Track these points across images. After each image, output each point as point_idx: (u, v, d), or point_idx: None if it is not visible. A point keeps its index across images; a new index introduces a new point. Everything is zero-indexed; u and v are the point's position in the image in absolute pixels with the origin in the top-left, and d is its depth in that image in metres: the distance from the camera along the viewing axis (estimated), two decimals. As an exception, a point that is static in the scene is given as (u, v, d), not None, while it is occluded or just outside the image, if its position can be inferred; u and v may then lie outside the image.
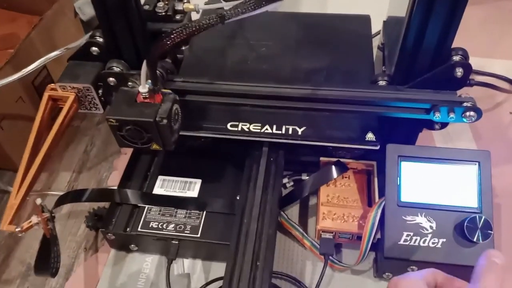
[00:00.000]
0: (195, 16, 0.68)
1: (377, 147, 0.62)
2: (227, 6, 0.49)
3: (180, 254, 0.63)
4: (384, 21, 0.75)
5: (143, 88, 0.54)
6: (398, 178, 0.58)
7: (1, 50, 0.76)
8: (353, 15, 0.77)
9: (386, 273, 0.61)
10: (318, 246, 0.63)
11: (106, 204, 0.69)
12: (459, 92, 0.58)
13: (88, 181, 0.78)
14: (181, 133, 0.59)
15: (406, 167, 0.58)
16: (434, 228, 0.56)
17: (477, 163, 0.57)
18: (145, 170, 0.71)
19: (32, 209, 0.69)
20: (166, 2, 0.62)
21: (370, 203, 0.63)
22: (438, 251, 0.55)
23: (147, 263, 0.65)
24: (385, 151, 0.59)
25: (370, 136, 0.62)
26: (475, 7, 1.00)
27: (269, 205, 0.60)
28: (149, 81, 0.54)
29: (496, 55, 0.92)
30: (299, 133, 0.63)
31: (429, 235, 0.55)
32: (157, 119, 0.53)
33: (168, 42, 0.47)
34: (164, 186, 0.68)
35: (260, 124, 0.63)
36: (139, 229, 0.63)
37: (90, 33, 0.61)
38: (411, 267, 0.56)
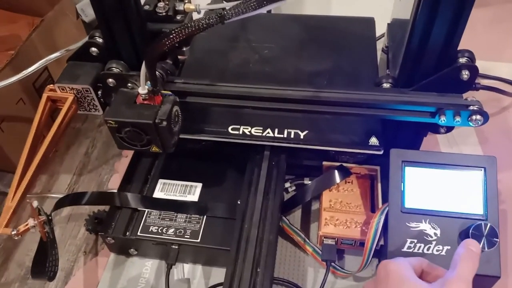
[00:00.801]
0: (196, 17, 0.67)
1: (381, 152, 0.61)
2: (229, 6, 0.48)
3: (180, 259, 0.62)
4: (388, 24, 0.74)
5: (143, 89, 0.53)
6: (402, 184, 0.57)
7: (2, 51, 0.76)
8: (357, 17, 0.76)
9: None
10: (320, 252, 0.61)
11: (106, 207, 0.68)
12: (465, 95, 0.57)
13: (89, 184, 0.77)
14: (181, 136, 0.59)
15: (410, 172, 0.57)
16: (439, 235, 0.54)
17: (482, 169, 0.56)
18: (146, 173, 0.70)
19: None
20: (167, 2, 0.62)
21: (373, 208, 0.62)
22: (443, 258, 0.53)
23: (146, 268, 0.65)
24: (388, 155, 0.58)
25: (373, 140, 0.61)
26: (482, 9, 0.99)
27: (270, 210, 0.59)
28: (149, 82, 0.53)
29: (504, 58, 0.90)
30: (301, 137, 0.62)
31: (433, 242, 0.54)
32: (156, 121, 0.52)
33: (167, 43, 0.47)
34: (164, 189, 0.67)
35: (261, 128, 0.63)
36: (138, 233, 0.62)
37: (89, 34, 0.61)
38: (415, 274, 0.55)
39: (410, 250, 0.54)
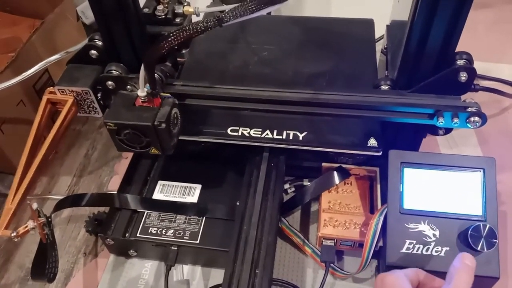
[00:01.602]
0: (195, 19, 0.67)
1: (379, 153, 0.61)
2: (228, 9, 0.48)
3: (179, 260, 0.63)
4: (387, 25, 0.74)
5: (142, 91, 0.54)
6: (401, 185, 0.57)
7: (3, 53, 0.76)
8: (357, 19, 0.76)
9: (389, 282, 0.59)
10: (319, 253, 0.62)
11: (106, 209, 0.68)
12: (463, 97, 0.57)
13: (89, 186, 0.77)
14: (180, 137, 0.59)
15: (409, 173, 0.57)
16: (437, 236, 0.54)
17: (481, 170, 0.56)
18: (145, 174, 0.70)
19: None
20: (166, 5, 0.62)
21: (372, 210, 0.62)
22: (442, 259, 0.53)
23: (146, 269, 0.65)
24: (387, 157, 0.58)
25: (372, 141, 0.61)
26: (484, 10, 0.98)
27: (269, 211, 0.60)
28: (148, 84, 0.53)
29: (505, 59, 0.90)
30: (300, 138, 0.62)
31: (432, 243, 0.54)
32: (155, 123, 0.52)
33: (166, 45, 0.47)
34: (164, 191, 0.67)
35: (260, 129, 0.63)
36: (138, 235, 0.62)
37: (89, 37, 0.61)
38: (414, 275, 0.55)
39: (409, 251, 0.54)
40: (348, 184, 0.65)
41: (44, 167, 0.59)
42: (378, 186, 0.63)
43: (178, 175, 0.69)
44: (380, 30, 0.76)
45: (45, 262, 0.55)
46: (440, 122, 0.55)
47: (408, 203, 0.56)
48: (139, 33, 0.58)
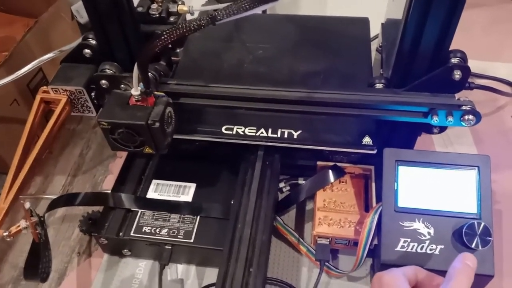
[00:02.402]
0: (190, 18, 0.67)
1: (374, 151, 0.60)
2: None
3: (173, 259, 0.62)
4: (382, 24, 0.74)
5: (136, 90, 0.53)
6: (396, 183, 0.57)
7: (-3, 53, 0.76)
8: (352, 18, 0.76)
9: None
10: (314, 252, 0.61)
11: (101, 208, 0.68)
12: (458, 95, 0.57)
13: (83, 185, 0.77)
14: (175, 136, 0.59)
15: (404, 171, 0.57)
16: (432, 234, 0.54)
17: (476, 168, 0.56)
18: (139, 173, 0.70)
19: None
20: (160, 4, 0.62)
21: (367, 208, 0.62)
22: (436, 257, 0.53)
23: (140, 268, 0.65)
24: (382, 155, 0.58)
25: (367, 140, 0.61)
26: (480, 9, 0.98)
27: (264, 210, 0.59)
28: (142, 83, 0.53)
29: (502, 58, 0.90)
30: (295, 136, 0.62)
31: (427, 241, 0.54)
32: (149, 122, 0.52)
33: (159, 44, 0.47)
34: (158, 190, 0.67)
35: (255, 128, 0.63)
36: (131, 234, 0.62)
37: (83, 36, 0.61)
38: (409, 274, 0.55)
39: (404, 250, 0.54)
40: (343, 182, 0.65)
41: (37, 167, 0.59)
42: (373, 184, 0.63)
43: (172, 174, 0.69)
44: (375, 28, 0.76)
45: (38, 261, 0.55)
46: (435, 120, 0.55)
47: (403, 201, 0.56)
48: (133, 32, 0.58)
